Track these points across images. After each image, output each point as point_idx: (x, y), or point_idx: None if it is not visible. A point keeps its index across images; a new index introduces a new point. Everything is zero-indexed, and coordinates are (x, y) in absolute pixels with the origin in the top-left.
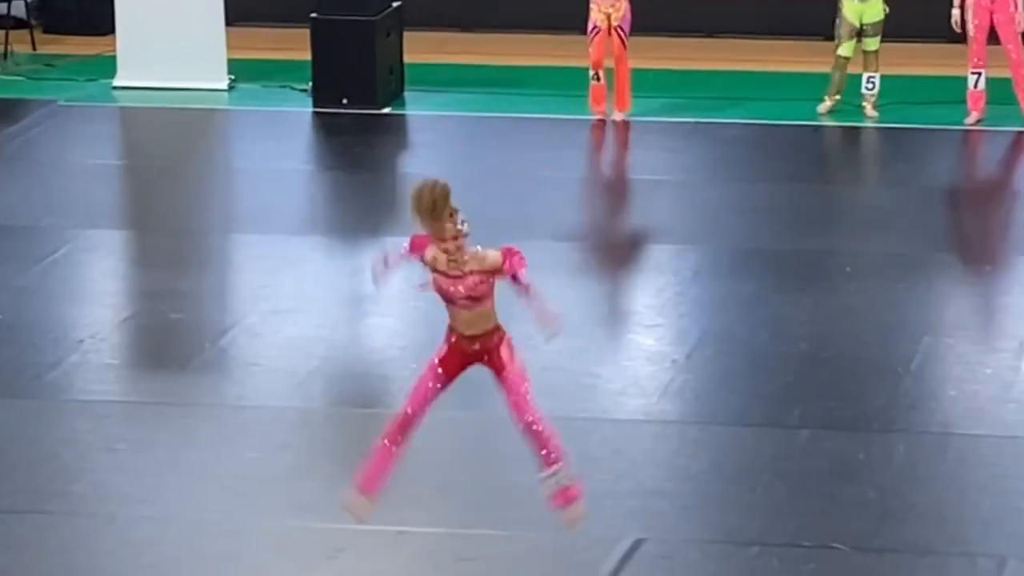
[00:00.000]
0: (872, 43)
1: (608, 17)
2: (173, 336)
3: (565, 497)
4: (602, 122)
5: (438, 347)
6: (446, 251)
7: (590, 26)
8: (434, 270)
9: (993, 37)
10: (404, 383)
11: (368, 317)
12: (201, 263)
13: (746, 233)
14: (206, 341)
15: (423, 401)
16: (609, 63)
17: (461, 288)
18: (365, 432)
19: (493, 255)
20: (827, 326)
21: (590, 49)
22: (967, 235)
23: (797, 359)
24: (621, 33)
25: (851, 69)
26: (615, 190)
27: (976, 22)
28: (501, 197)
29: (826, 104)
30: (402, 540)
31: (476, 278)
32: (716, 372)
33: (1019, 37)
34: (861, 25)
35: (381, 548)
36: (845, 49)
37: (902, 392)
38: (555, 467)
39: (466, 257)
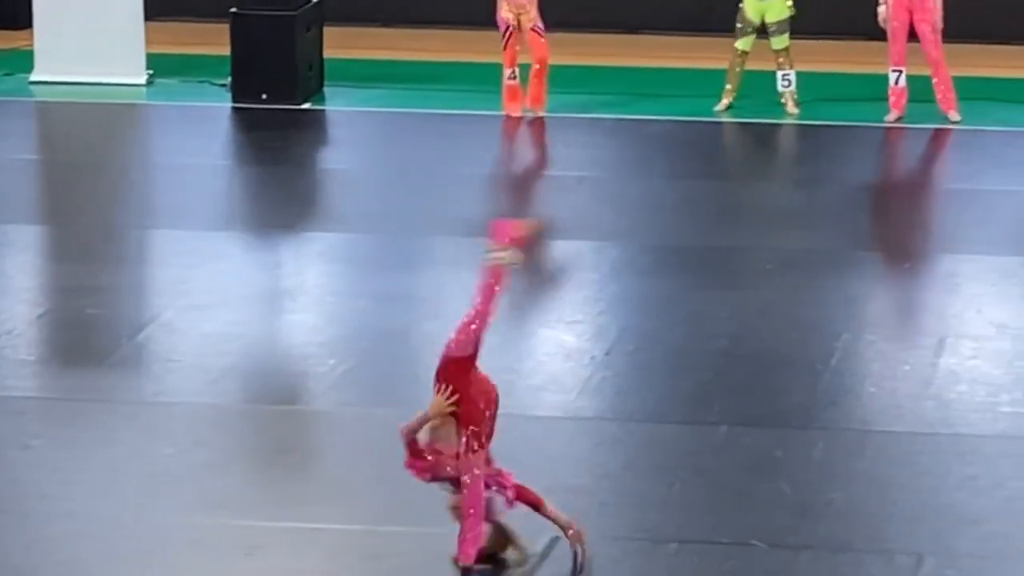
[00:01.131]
0: (779, 41)
1: (518, 17)
2: (90, 332)
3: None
4: (520, 119)
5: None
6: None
7: (502, 26)
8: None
9: (914, 35)
10: (320, 380)
11: (285, 313)
12: (118, 258)
13: (666, 230)
14: (123, 337)
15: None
16: (525, 59)
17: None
18: (281, 429)
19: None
20: (746, 323)
21: (504, 48)
22: (887, 232)
23: (716, 356)
24: (538, 32)
25: (767, 67)
26: (535, 186)
27: (895, 21)
28: (419, 193)
29: (722, 103)
30: (317, 537)
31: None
32: (635, 369)
33: (938, 36)
34: (765, 23)
35: (296, 545)
36: (742, 44)
37: (821, 389)
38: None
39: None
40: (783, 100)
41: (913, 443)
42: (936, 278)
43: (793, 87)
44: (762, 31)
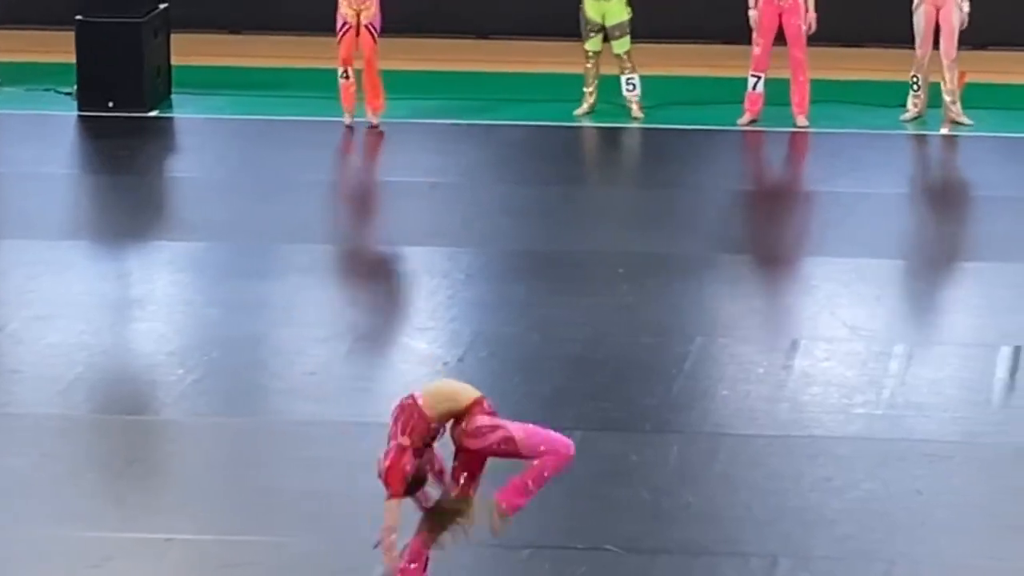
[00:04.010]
0: (619, 45)
1: (358, 15)
2: None
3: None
4: (373, 127)
5: None
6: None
7: (339, 23)
8: None
9: (778, 39)
10: (170, 389)
11: (134, 323)
12: None
13: (519, 235)
14: None
15: None
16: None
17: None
18: (131, 439)
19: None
20: (600, 328)
21: (339, 47)
22: (742, 235)
23: (570, 361)
24: (371, 31)
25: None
26: (386, 192)
27: (763, 24)
28: (268, 200)
29: (583, 107)
30: (169, 547)
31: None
32: (489, 374)
33: (805, 39)
34: (606, 26)
35: (148, 556)
36: (591, 44)
37: (675, 393)
38: None
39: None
40: (628, 104)
41: (767, 446)
42: (791, 280)
43: (638, 91)
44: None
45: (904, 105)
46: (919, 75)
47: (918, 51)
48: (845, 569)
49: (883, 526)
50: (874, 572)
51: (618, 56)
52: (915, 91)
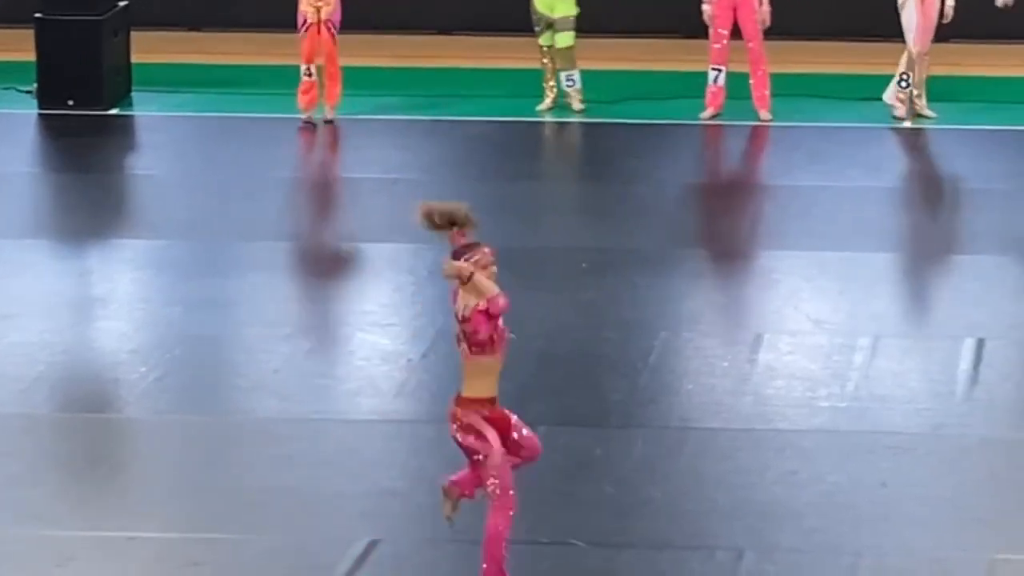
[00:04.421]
0: (563, 39)
1: (318, 11)
2: None
3: None
4: (329, 121)
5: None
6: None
7: (300, 20)
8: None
9: (735, 34)
10: (132, 387)
11: (96, 321)
12: None
13: (481, 231)
14: None
15: None
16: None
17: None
18: (93, 438)
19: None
20: (564, 323)
21: (302, 44)
22: (705, 229)
23: (534, 356)
24: (331, 28)
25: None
26: (349, 189)
27: (719, 18)
28: (229, 198)
29: (545, 103)
30: (133, 546)
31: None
32: (452, 371)
33: (761, 33)
34: (554, 19)
35: (112, 555)
36: (544, 39)
37: (640, 387)
38: None
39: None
40: (567, 99)
41: (732, 439)
42: (754, 274)
43: (578, 86)
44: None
45: (883, 97)
46: (910, 72)
47: (913, 48)
48: (811, 562)
49: (849, 518)
50: (840, 564)
51: (559, 50)
52: (903, 87)
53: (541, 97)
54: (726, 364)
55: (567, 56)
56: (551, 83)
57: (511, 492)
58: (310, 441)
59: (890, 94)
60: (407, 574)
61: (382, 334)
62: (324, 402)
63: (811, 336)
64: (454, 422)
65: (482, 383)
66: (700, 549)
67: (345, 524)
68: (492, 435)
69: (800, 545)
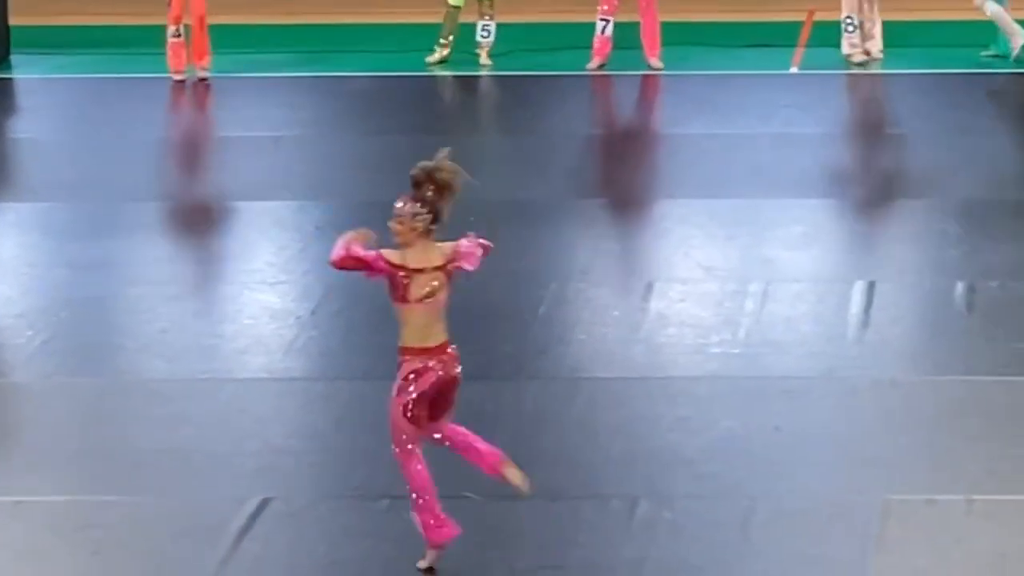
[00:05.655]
0: None
1: None
2: None
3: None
4: (202, 80)
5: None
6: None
7: None
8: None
9: None
10: (18, 351)
11: None
12: None
13: (367, 187)
14: None
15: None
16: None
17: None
18: None
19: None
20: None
21: (169, 5)
22: (593, 180)
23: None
24: None
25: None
26: (231, 148)
27: None
28: (111, 159)
29: (435, 55)
30: (21, 510)
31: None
32: (341, 328)
33: None
34: None
35: (0, 519)
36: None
37: (530, 339)
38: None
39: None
40: (478, 51)
41: (624, 388)
42: (644, 223)
43: (492, 38)
44: None
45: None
46: (853, 15)
47: None
48: (707, 507)
49: (743, 463)
50: (736, 509)
51: (480, 2)
52: (850, 32)
53: (428, 52)
54: (617, 313)
55: (487, 6)
56: (447, 41)
57: (396, 450)
58: (199, 401)
59: (844, 44)
60: (301, 531)
61: (270, 292)
62: (213, 361)
63: (702, 283)
64: None
65: (401, 331)
66: (595, 498)
67: (238, 483)
68: (413, 388)
69: (695, 491)
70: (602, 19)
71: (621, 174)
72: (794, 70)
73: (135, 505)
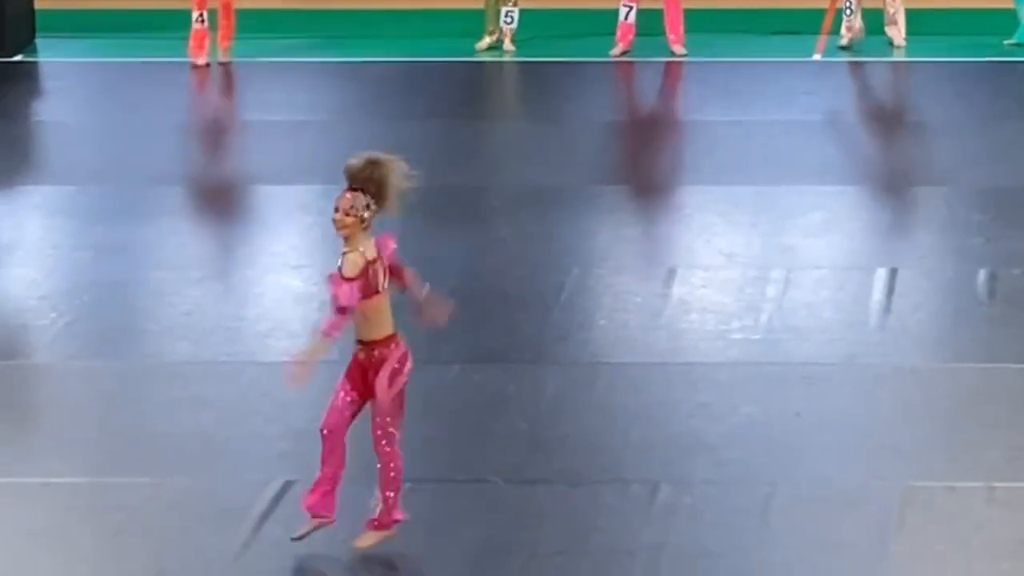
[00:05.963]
0: None
1: None
2: None
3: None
4: (224, 63)
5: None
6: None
7: None
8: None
9: None
10: (42, 333)
11: (4, 268)
12: None
13: None
14: None
15: (339, 419)
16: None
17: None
18: (4, 384)
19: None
20: (476, 261)
21: None
22: (615, 166)
23: (446, 295)
24: None
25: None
26: (257, 132)
27: None
28: (137, 143)
29: (485, 41)
30: (46, 492)
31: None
32: None
33: None
34: None
35: (25, 501)
36: None
37: (551, 324)
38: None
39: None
40: (502, 37)
41: (645, 373)
42: (666, 210)
43: (515, 24)
44: None
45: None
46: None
47: None
48: (727, 493)
49: (763, 450)
50: (755, 495)
51: None
52: (848, 16)
53: (476, 37)
54: (639, 299)
55: None
56: (493, 27)
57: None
58: (222, 384)
59: (842, 27)
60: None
61: (293, 275)
62: (236, 344)
63: (724, 270)
64: None
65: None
66: (615, 483)
67: (260, 465)
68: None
69: (715, 477)
70: (625, 5)
71: (643, 160)
72: (817, 57)
73: (157, 487)
